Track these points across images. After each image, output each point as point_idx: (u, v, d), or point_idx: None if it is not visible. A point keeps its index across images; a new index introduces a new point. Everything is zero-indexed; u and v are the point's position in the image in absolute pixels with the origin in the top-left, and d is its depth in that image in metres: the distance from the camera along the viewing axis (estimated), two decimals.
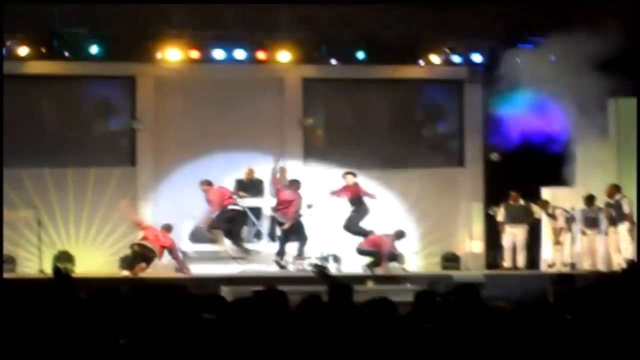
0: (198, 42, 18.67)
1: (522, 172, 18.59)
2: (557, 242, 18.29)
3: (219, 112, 19.48)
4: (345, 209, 17.77)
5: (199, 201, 17.56)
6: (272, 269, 17.38)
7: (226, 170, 18.59)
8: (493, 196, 19.45)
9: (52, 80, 19.28)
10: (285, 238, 17.50)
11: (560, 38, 17.35)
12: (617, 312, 6.46)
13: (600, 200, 18.02)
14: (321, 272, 15.00)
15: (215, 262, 17.60)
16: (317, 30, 18.94)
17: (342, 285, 7.72)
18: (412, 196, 20.03)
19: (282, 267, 17.30)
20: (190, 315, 6.28)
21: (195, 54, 18.69)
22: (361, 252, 17.52)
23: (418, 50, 19.47)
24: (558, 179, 18.85)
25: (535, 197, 18.74)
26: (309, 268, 16.68)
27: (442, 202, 20.21)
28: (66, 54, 18.38)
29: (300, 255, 17.51)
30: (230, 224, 17.46)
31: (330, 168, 19.29)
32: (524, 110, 18.29)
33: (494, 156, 19.73)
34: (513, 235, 18.53)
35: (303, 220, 17.64)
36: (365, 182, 18.37)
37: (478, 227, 20.14)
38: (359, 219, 17.68)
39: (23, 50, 18.06)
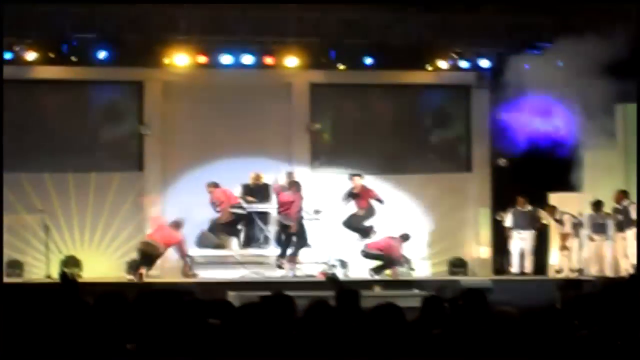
0: (206, 47, 18.69)
1: (530, 177, 18.56)
2: (564, 248, 18.27)
3: (227, 117, 19.49)
4: (352, 210, 17.84)
5: (206, 206, 17.59)
6: (278, 273, 17.40)
7: (233, 175, 18.58)
8: (500, 202, 19.43)
9: (60, 85, 19.32)
10: (287, 240, 17.52)
11: (567, 43, 17.33)
12: (624, 317, 6.44)
13: (608, 206, 17.99)
14: (332, 280, 14.95)
15: (221, 267, 17.61)
16: (325, 35, 18.95)
17: (350, 291, 7.71)
18: (419, 202, 20.02)
19: (280, 267, 17.35)
20: (197, 320, 6.28)
21: (202, 59, 18.72)
22: (367, 255, 17.49)
23: (425, 55, 19.48)
24: (566, 184, 18.81)
25: (542, 203, 18.72)
26: (304, 272, 16.78)
27: (449, 207, 20.19)
28: (74, 59, 18.42)
29: (294, 256, 17.51)
30: (235, 227, 17.60)
31: (337, 173, 19.29)
32: (531, 116, 18.27)
33: (502, 161, 19.70)
34: (520, 241, 18.51)
35: (308, 224, 17.66)
36: (372, 186, 18.36)
37: (485, 232, 20.12)
38: (363, 220, 17.70)
39: (31, 55, 18.10)
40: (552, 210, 18.48)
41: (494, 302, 7.16)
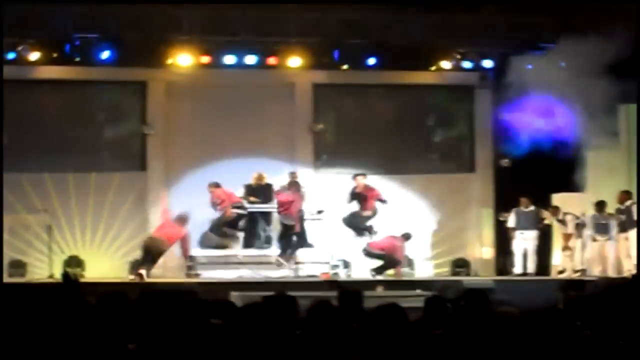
0: (209, 47, 18.71)
1: (533, 177, 18.55)
2: (566, 248, 18.25)
3: (230, 117, 19.49)
4: (353, 208, 17.86)
5: (209, 206, 17.60)
6: (281, 273, 17.39)
7: (236, 175, 18.57)
8: (503, 202, 19.43)
9: (63, 85, 19.34)
10: (288, 240, 17.52)
11: (569, 43, 17.32)
12: (627, 318, 6.44)
13: (611, 207, 17.97)
14: (334, 283, 14.94)
15: (224, 268, 17.60)
16: (328, 35, 18.95)
17: (352, 291, 7.71)
18: (422, 202, 20.03)
19: (278, 265, 17.40)
20: (199, 320, 6.28)
21: (206, 59, 18.74)
22: (370, 254, 17.46)
23: (428, 55, 19.49)
24: (568, 184, 18.80)
25: (545, 203, 18.71)
26: (306, 272, 16.81)
27: (452, 207, 20.19)
28: (77, 59, 18.44)
29: (291, 255, 17.51)
30: (238, 224, 17.65)
31: (340, 173, 19.30)
32: (534, 116, 18.26)
33: (504, 162, 19.70)
34: (523, 241, 18.49)
35: (310, 224, 17.67)
36: (375, 186, 18.36)
37: (488, 233, 20.12)
38: (367, 220, 17.70)
39: (34, 55, 18.12)
40: (554, 210, 18.46)
41: (497, 303, 7.16)
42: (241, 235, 18.21)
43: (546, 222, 18.56)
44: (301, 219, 17.49)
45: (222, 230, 17.81)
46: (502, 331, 6.20)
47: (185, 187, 19.13)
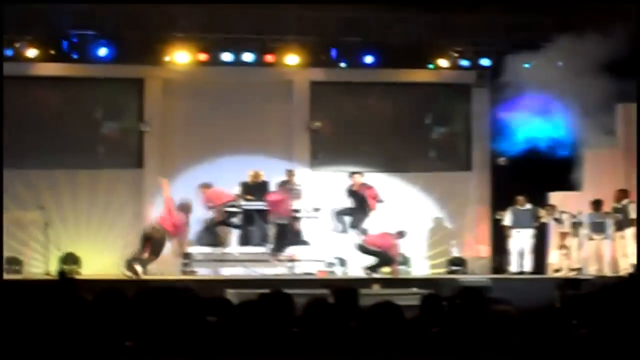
0: (206, 45, 18.70)
1: (529, 176, 18.55)
2: (563, 247, 18.25)
3: (227, 115, 19.49)
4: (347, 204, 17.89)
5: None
6: (277, 271, 17.41)
7: (233, 173, 18.57)
8: (500, 200, 19.43)
9: (60, 82, 19.33)
10: (282, 237, 17.52)
11: (567, 42, 17.33)
12: (623, 317, 6.44)
13: (608, 205, 17.98)
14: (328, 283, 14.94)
15: (220, 265, 17.62)
16: (326, 33, 18.95)
17: (348, 289, 7.71)
18: (419, 200, 20.04)
19: (270, 261, 17.42)
20: (195, 318, 6.28)
21: (203, 56, 18.74)
22: (365, 250, 17.43)
23: (426, 54, 19.50)
24: (565, 183, 18.80)
25: (542, 202, 18.71)
26: (302, 270, 16.83)
27: (448, 206, 20.20)
28: (75, 56, 18.44)
29: (283, 253, 17.54)
30: (229, 224, 17.68)
31: (337, 171, 19.31)
32: (531, 115, 18.28)
33: (501, 160, 19.71)
34: (519, 240, 18.50)
35: (305, 223, 17.68)
36: (372, 184, 18.37)
37: (485, 231, 20.13)
38: (362, 220, 17.72)
39: (32, 52, 18.13)
40: (551, 209, 18.47)
41: (493, 301, 7.17)
42: (236, 232, 18.21)
43: (542, 220, 18.57)
44: (294, 217, 17.49)
45: (214, 230, 17.83)
46: (498, 330, 6.20)
47: (182, 184, 19.10)
